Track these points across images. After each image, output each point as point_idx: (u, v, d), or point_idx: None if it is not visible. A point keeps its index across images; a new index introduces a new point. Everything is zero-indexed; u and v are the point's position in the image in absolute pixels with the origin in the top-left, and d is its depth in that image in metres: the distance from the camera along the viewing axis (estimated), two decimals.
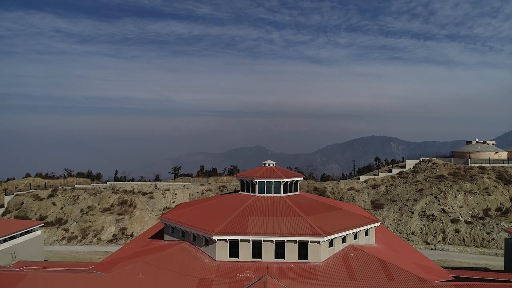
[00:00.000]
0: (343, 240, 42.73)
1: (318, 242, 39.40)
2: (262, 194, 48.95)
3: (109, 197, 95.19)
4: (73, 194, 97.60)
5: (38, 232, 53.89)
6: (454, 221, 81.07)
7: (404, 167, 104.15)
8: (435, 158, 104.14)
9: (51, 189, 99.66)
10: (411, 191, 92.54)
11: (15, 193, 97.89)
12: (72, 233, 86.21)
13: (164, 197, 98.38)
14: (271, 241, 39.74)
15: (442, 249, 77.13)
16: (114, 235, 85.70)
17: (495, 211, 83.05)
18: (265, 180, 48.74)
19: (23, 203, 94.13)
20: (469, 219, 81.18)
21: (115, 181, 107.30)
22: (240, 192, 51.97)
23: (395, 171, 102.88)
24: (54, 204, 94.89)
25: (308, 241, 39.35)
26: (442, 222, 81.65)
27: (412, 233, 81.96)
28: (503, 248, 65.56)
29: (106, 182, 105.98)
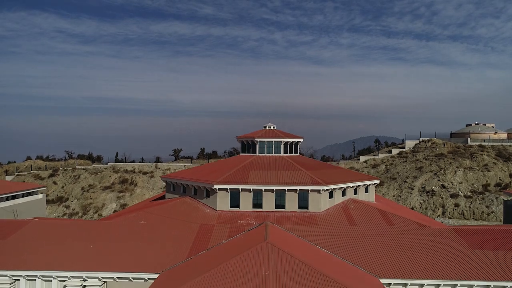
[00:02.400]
0: (343, 193, 43.04)
1: (318, 191, 39.71)
2: (263, 154, 49.23)
3: (110, 176, 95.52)
4: (74, 174, 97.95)
5: (40, 196, 54.20)
6: (454, 196, 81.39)
7: (404, 148, 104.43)
8: (435, 138, 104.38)
9: (52, 170, 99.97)
10: (410, 169, 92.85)
11: (16, 173, 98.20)
12: (73, 209, 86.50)
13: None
14: (272, 190, 40.05)
15: (442, 222, 77.37)
16: (115, 211, 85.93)
17: (495, 186, 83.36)
18: (265, 140, 49.01)
19: (24, 182, 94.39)
20: (469, 194, 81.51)
21: (115, 162, 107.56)
22: (240, 154, 52.25)
23: (395, 151, 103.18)
24: (55, 183, 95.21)
25: (308, 189, 39.66)
26: (442, 197, 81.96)
27: (412, 208, 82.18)
28: (502, 220, 65.91)
29: (107, 164, 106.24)
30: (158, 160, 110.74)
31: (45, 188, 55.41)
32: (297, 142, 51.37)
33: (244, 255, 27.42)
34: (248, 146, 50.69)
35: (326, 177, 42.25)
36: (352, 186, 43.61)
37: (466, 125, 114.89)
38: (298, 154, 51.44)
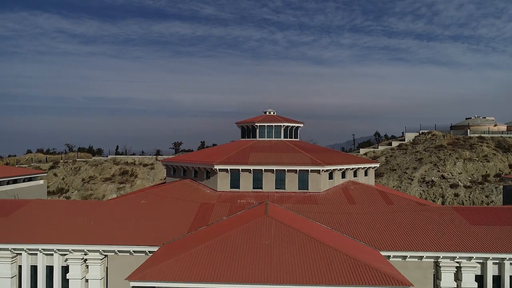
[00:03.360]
0: (343, 175, 43.22)
1: (318, 171, 39.86)
2: (263, 139, 49.37)
3: (110, 168, 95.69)
4: (74, 166, 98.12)
5: (41, 182, 54.37)
6: (454, 186, 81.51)
7: (403, 140, 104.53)
8: (435, 130, 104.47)
9: (52, 162, 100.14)
10: (410, 160, 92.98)
11: (16, 166, 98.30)
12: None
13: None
14: (272, 171, 40.20)
15: None
16: None
17: (494, 176, 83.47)
18: (265, 124, 49.15)
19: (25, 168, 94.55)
20: (468, 184, 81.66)
21: (116, 155, 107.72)
22: (240, 139, 52.39)
23: (395, 144, 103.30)
24: (55, 175, 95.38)
25: (308, 170, 39.82)
26: (442, 187, 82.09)
27: None
28: (501, 201, 66.25)
29: (107, 156, 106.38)
30: (158, 153, 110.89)
31: (46, 174, 55.61)
32: (297, 127, 51.52)
33: (244, 227, 27.60)
34: (248, 131, 50.83)
35: (326, 158, 42.41)
36: (352, 169, 43.76)
37: (466, 119, 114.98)
38: (298, 140, 51.59)
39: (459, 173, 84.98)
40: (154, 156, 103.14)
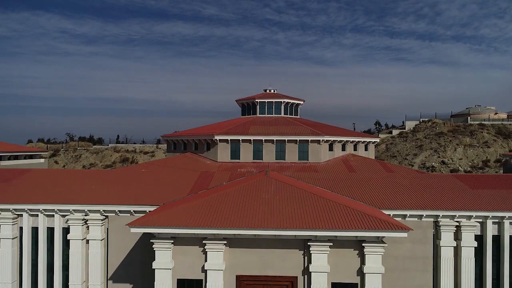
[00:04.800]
0: (343, 147, 43.29)
1: (318, 141, 39.95)
2: (263, 115, 49.46)
3: (111, 155, 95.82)
4: (75, 154, 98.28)
5: (42, 160, 54.50)
6: (454, 171, 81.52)
7: (404, 128, 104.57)
8: (435, 118, 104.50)
9: (53, 151, 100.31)
10: (410, 147, 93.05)
11: None
12: None
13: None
14: (272, 141, 40.29)
15: None
16: None
17: (494, 162, 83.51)
18: (266, 100, 49.24)
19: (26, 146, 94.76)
20: (469, 169, 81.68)
21: (117, 144, 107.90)
22: (241, 116, 52.49)
23: (395, 132, 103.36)
24: (56, 162, 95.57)
25: (308, 140, 39.90)
26: (442, 173, 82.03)
27: None
28: None
29: (108, 145, 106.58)
30: (159, 142, 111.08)
31: (47, 153, 55.66)
32: (298, 104, 51.59)
33: (244, 184, 27.70)
34: (248, 108, 50.93)
35: (326, 130, 42.51)
36: (352, 141, 43.83)
37: (466, 108, 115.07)
38: (298, 117, 51.66)
39: (460, 159, 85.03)
40: (155, 145, 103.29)
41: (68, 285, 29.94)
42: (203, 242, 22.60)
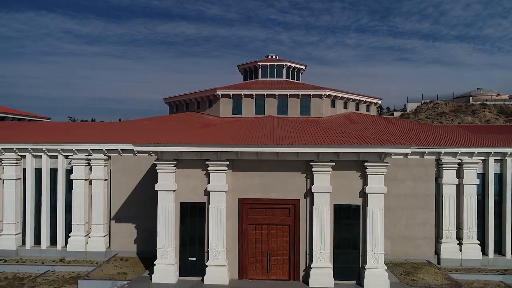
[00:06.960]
0: (345, 105, 43.33)
1: (320, 96, 40.02)
2: (265, 79, 49.47)
3: None
4: None
5: None
6: None
7: (405, 110, 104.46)
8: (437, 100, 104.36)
9: None
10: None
11: None
12: None
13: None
14: (274, 95, 40.37)
15: None
16: None
17: None
18: (267, 64, 49.24)
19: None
20: None
21: None
22: (242, 82, 52.52)
23: (397, 114, 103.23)
24: None
25: (310, 94, 39.97)
26: None
27: None
28: None
29: None
30: None
31: (50, 119, 55.82)
32: (300, 69, 51.59)
33: (248, 120, 27.82)
34: (250, 73, 50.92)
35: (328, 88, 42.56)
36: (354, 100, 43.88)
37: (469, 91, 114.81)
38: (300, 82, 51.68)
39: None
40: None
41: (71, 226, 30.08)
42: (206, 163, 22.67)
